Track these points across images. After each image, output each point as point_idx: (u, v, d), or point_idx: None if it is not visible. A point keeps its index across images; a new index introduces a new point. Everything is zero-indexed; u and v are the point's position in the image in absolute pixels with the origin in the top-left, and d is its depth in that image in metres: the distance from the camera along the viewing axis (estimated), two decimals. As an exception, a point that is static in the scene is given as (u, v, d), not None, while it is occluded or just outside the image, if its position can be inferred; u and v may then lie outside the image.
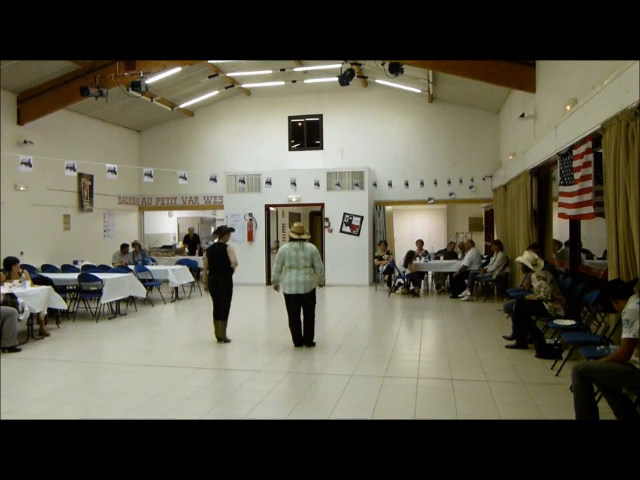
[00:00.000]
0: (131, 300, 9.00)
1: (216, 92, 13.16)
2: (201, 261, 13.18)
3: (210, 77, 11.91)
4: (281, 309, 10.23)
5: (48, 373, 5.29)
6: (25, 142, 10.20)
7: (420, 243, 11.76)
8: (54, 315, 7.53)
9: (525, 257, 6.18)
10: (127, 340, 6.89)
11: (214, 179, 11.50)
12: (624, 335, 3.25)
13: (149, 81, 9.57)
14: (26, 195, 10.28)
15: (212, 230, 16.82)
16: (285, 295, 6.24)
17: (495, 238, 11.50)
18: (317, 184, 12.41)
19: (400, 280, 10.83)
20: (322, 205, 12.57)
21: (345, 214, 12.36)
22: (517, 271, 8.99)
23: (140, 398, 4.35)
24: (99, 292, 8.01)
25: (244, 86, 13.27)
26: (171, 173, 11.83)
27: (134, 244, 11.75)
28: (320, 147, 13.70)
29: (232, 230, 7.13)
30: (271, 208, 13.02)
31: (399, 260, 11.19)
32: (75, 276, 8.33)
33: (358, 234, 12.32)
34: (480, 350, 5.85)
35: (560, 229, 8.21)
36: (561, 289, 5.99)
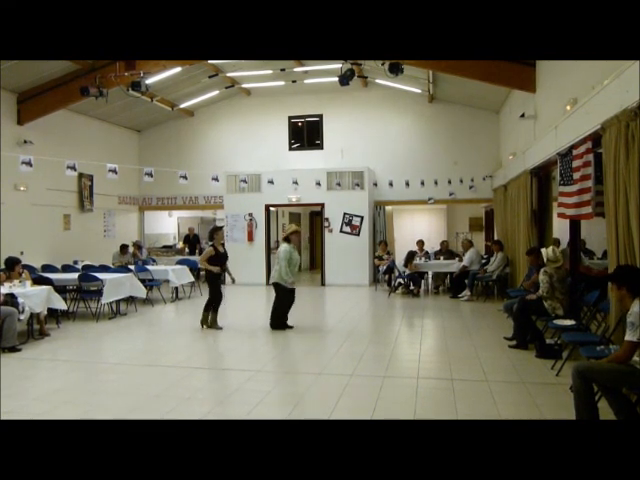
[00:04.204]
0: (131, 300, 8.99)
1: (216, 92, 13.16)
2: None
3: (210, 77, 11.91)
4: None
5: (48, 373, 5.29)
6: (25, 142, 10.20)
7: (421, 243, 11.79)
8: (54, 315, 7.53)
9: (544, 251, 6.07)
10: (127, 340, 6.89)
11: (216, 179, 11.48)
12: (627, 337, 3.22)
13: (149, 81, 9.56)
14: (26, 195, 10.28)
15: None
16: None
17: (495, 238, 11.50)
18: (317, 184, 12.42)
19: (400, 280, 10.83)
20: (322, 205, 12.57)
21: (345, 214, 12.36)
22: (517, 271, 9.00)
23: (140, 398, 4.35)
24: (99, 292, 8.00)
25: (244, 86, 13.27)
26: (171, 173, 11.83)
27: (134, 244, 11.75)
28: (320, 147, 13.70)
29: (216, 229, 7.56)
30: (271, 208, 13.02)
31: (399, 260, 11.19)
32: (75, 276, 8.32)
33: (358, 234, 12.32)
34: (480, 350, 5.84)
35: (560, 229, 8.21)
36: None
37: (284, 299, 7.09)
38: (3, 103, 9.85)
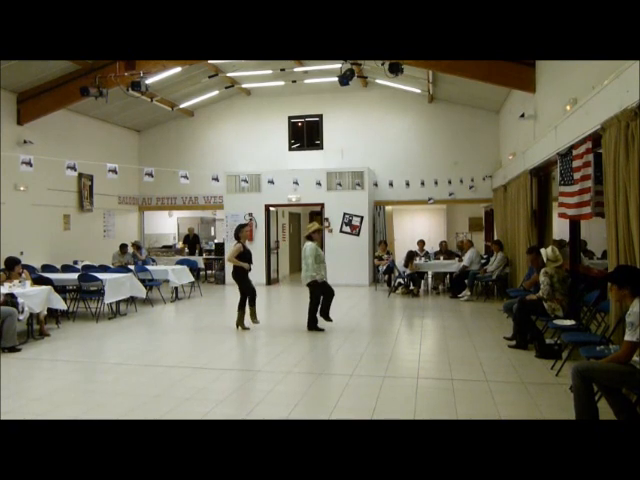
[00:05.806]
0: (131, 300, 8.99)
1: (216, 92, 13.15)
2: (202, 261, 13.32)
3: (210, 77, 11.91)
4: (280, 310, 10.21)
5: (48, 373, 5.29)
6: (25, 142, 10.20)
7: (422, 243, 11.82)
8: (54, 315, 7.52)
9: (544, 251, 6.08)
10: (127, 340, 6.89)
11: (216, 179, 11.47)
12: (627, 337, 3.21)
13: (149, 81, 9.55)
14: (26, 195, 10.28)
15: (212, 230, 16.84)
16: None
17: (495, 238, 11.50)
18: (317, 184, 12.42)
19: (400, 280, 10.83)
20: (322, 205, 12.57)
21: (345, 214, 12.37)
22: (517, 271, 9.00)
23: (140, 398, 4.35)
24: (99, 292, 8.01)
25: (244, 86, 13.27)
26: (171, 173, 11.82)
27: (133, 244, 11.75)
28: (320, 147, 13.70)
29: (242, 226, 7.51)
30: (271, 208, 13.03)
31: (399, 260, 11.19)
32: (75, 276, 8.32)
33: (358, 234, 12.32)
34: (480, 350, 5.84)
35: (560, 229, 8.20)
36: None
37: (318, 297, 7.05)
38: (3, 103, 9.85)
